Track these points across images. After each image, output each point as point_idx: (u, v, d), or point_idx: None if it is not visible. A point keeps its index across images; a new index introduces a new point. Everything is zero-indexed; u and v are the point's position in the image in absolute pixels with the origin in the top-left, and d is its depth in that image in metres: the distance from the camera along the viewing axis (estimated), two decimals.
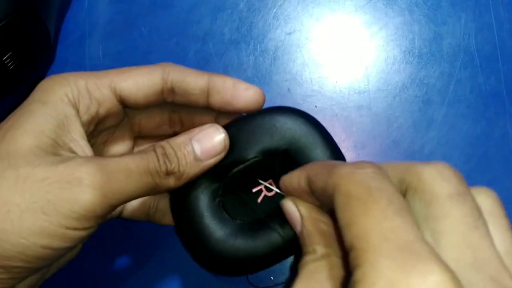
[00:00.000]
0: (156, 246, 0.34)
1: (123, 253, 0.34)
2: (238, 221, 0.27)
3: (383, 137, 0.35)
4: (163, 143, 0.25)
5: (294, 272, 0.20)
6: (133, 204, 0.29)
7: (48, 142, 0.23)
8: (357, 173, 0.18)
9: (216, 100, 0.27)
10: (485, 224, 0.18)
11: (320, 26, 0.36)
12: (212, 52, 0.36)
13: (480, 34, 0.36)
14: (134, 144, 0.30)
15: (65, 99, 0.24)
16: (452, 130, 0.35)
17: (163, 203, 0.30)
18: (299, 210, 0.23)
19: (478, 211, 0.18)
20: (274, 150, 0.27)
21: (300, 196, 0.23)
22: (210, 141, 0.25)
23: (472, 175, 0.34)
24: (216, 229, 0.26)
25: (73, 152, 0.24)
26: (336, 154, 0.27)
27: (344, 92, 0.35)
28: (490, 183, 0.34)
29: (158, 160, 0.24)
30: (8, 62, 0.30)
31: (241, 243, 0.26)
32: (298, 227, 0.23)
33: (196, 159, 0.25)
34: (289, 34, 0.36)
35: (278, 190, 0.26)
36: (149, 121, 0.29)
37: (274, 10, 0.36)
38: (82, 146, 0.24)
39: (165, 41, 0.36)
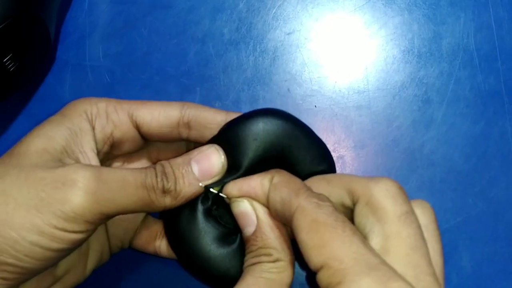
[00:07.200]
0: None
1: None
2: (239, 234, 0.27)
3: (383, 136, 0.35)
4: (163, 162, 0.26)
5: (313, 285, 0.21)
6: (142, 232, 0.30)
7: (56, 147, 0.24)
8: (322, 204, 0.21)
9: None
10: (425, 243, 0.21)
11: (319, 26, 0.36)
12: (212, 53, 0.36)
13: (479, 34, 0.36)
14: None
15: (83, 115, 0.27)
16: (451, 129, 0.35)
17: None
18: (256, 212, 0.24)
19: (420, 231, 0.21)
20: (261, 159, 0.27)
21: (253, 198, 0.25)
22: (208, 162, 0.26)
23: (472, 174, 0.34)
24: (220, 249, 0.26)
25: (78, 161, 0.25)
26: (321, 152, 0.27)
27: (344, 92, 0.35)
28: (489, 182, 0.34)
29: (156, 177, 0.24)
30: (9, 64, 0.30)
31: None
32: (250, 228, 0.24)
33: (194, 179, 0.25)
34: (288, 34, 0.36)
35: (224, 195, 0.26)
36: (167, 152, 0.31)
37: (274, 10, 0.37)
38: (89, 158, 0.26)
39: (165, 42, 0.36)
